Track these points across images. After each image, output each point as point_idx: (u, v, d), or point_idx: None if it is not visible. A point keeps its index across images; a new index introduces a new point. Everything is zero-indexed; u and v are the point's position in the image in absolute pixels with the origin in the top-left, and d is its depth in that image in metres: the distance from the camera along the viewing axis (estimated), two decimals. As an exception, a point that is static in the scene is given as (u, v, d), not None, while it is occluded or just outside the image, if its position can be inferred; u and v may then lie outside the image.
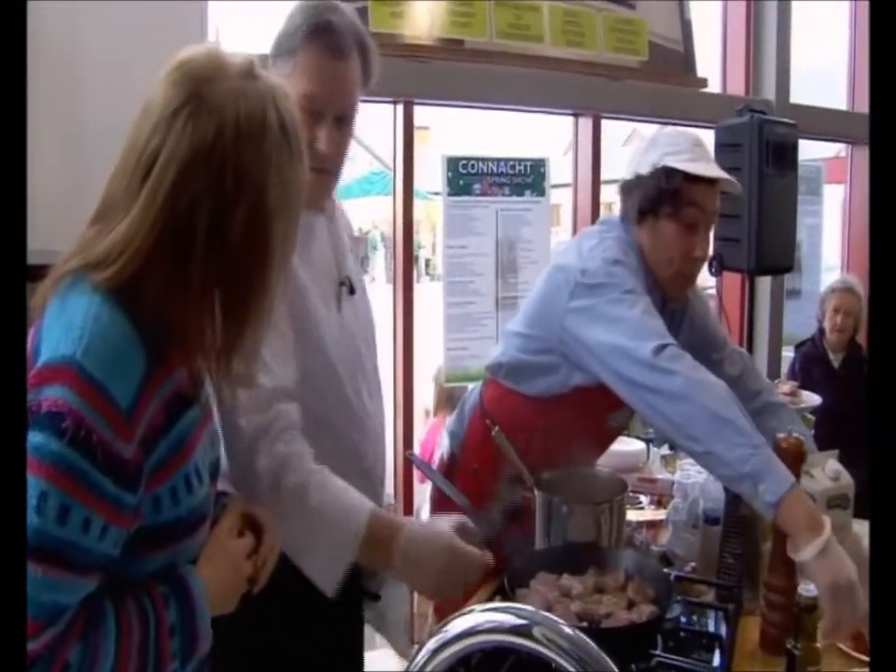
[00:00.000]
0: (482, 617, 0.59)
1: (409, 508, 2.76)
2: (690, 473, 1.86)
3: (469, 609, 0.63)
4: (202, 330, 0.88)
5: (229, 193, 0.85)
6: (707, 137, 3.09)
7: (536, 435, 1.59)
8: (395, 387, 2.85)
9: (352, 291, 1.38)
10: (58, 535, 0.77)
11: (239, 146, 0.85)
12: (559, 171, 3.30)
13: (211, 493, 0.98)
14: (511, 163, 3.27)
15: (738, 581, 1.47)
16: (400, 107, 2.92)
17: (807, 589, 1.15)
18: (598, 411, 1.63)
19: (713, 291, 3.69)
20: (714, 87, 3.32)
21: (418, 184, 3.18)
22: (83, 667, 0.79)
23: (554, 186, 3.35)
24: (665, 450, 2.80)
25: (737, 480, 1.29)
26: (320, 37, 1.23)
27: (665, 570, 1.53)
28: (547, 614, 0.59)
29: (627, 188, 1.62)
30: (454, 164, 3.40)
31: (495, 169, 3.25)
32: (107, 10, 2.01)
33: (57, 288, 0.86)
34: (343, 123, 1.28)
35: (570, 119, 3.19)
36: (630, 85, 2.98)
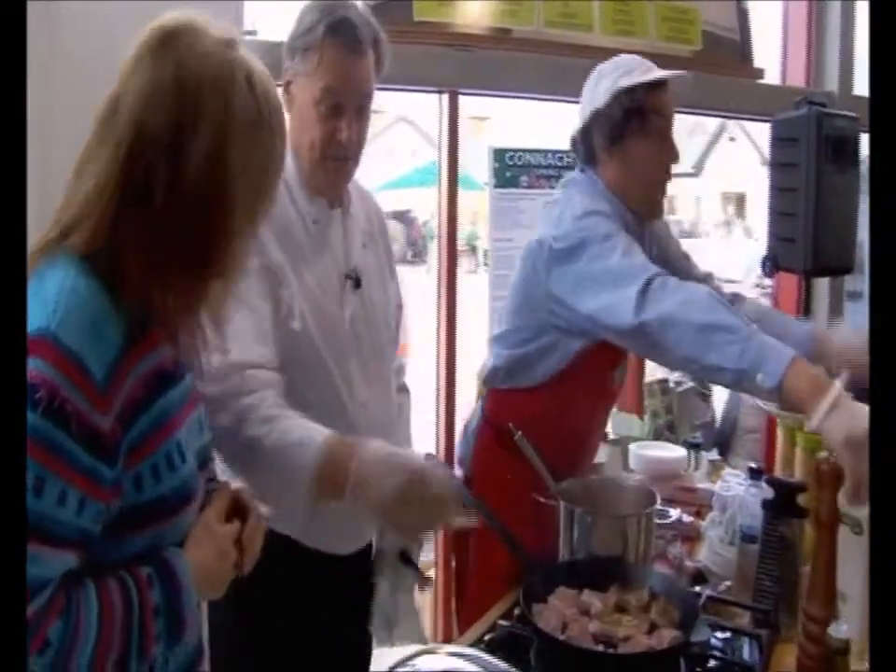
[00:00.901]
0: (447, 662, 0.54)
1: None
2: (731, 485, 1.77)
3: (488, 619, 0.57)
4: (164, 294, 0.87)
5: (185, 148, 0.84)
6: (764, 131, 2.98)
7: (546, 426, 1.56)
8: (437, 382, 2.82)
9: (357, 284, 1.40)
10: (34, 508, 0.77)
11: (200, 97, 0.85)
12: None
13: (200, 479, 0.97)
14: (559, 155, 3.18)
15: (775, 605, 1.38)
16: (446, 97, 2.88)
17: (838, 630, 1.07)
18: (602, 369, 1.65)
19: (769, 291, 3.56)
20: (773, 78, 3.17)
21: (475, 175, 3.14)
22: (63, 645, 0.78)
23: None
24: (714, 454, 2.70)
25: (738, 379, 1.27)
26: (339, 34, 1.29)
27: (697, 590, 1.46)
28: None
29: (587, 129, 1.63)
30: (500, 156, 3.33)
31: (542, 161, 3.18)
32: (141, 9, 2.01)
33: (37, 265, 0.85)
34: (361, 114, 1.35)
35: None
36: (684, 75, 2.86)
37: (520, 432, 1.44)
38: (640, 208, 1.62)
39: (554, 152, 3.17)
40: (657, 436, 2.94)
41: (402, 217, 19.96)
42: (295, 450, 1.10)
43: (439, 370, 2.82)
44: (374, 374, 1.42)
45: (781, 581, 1.39)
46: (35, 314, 0.81)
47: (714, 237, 18.12)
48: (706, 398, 3.81)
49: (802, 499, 1.38)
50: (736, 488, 1.71)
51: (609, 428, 2.93)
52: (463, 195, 2.97)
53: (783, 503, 1.38)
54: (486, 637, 1.31)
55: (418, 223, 19.90)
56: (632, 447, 2.15)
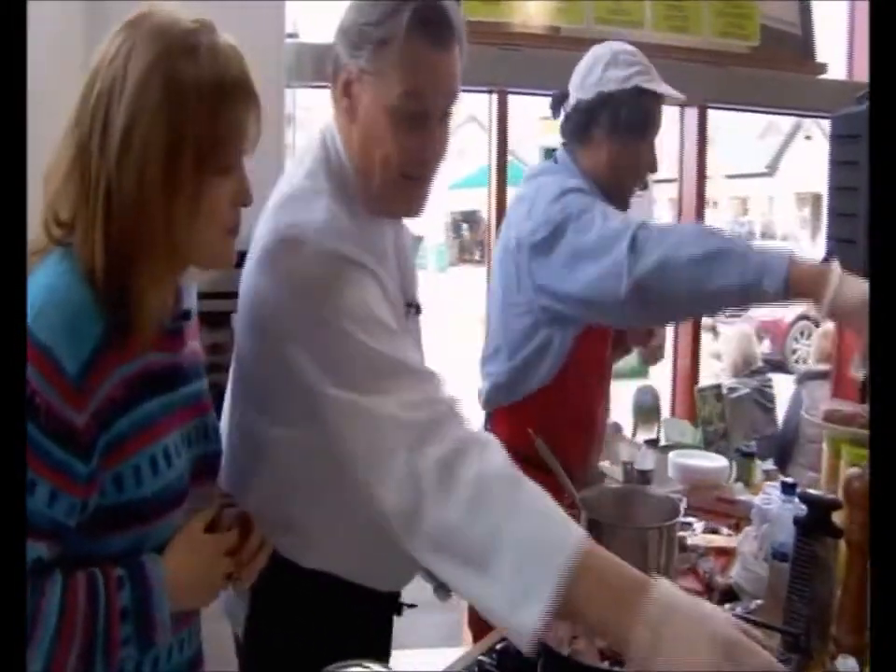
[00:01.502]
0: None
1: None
2: (771, 498, 1.70)
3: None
4: (140, 286, 0.87)
5: (115, 111, 0.85)
6: (826, 127, 2.85)
7: (558, 425, 1.55)
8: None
9: (418, 311, 1.26)
10: None
11: (132, 60, 0.85)
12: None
13: (196, 487, 0.97)
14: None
15: (806, 628, 1.30)
16: (495, 97, 2.85)
17: (845, 664, 1.00)
18: (601, 350, 1.66)
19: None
20: (839, 73, 3.04)
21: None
22: None
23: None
24: (769, 464, 2.60)
25: (745, 294, 1.30)
26: (429, 23, 1.04)
27: (727, 607, 1.40)
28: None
29: (590, 106, 1.60)
30: (551, 156, 3.29)
31: (594, 161, 3.13)
32: (188, 7, 2.04)
33: (31, 265, 0.87)
34: (446, 121, 1.12)
35: (676, 109, 3.01)
36: (739, 72, 2.77)
37: (539, 438, 1.40)
38: (612, 200, 1.60)
39: (606, 152, 3.12)
40: (709, 443, 2.86)
41: (470, 217, 20.00)
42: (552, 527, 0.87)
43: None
44: None
45: (813, 603, 1.32)
46: None
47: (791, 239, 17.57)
48: (767, 410, 3.68)
49: (838, 517, 1.31)
50: (777, 501, 1.64)
51: (660, 435, 2.87)
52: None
53: (817, 521, 1.30)
54: (498, 647, 1.28)
55: (485, 223, 19.89)
56: (671, 455, 2.09)
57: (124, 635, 0.85)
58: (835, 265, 1.24)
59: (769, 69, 2.78)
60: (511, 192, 2.87)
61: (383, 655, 1.34)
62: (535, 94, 2.95)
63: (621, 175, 1.63)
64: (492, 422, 1.76)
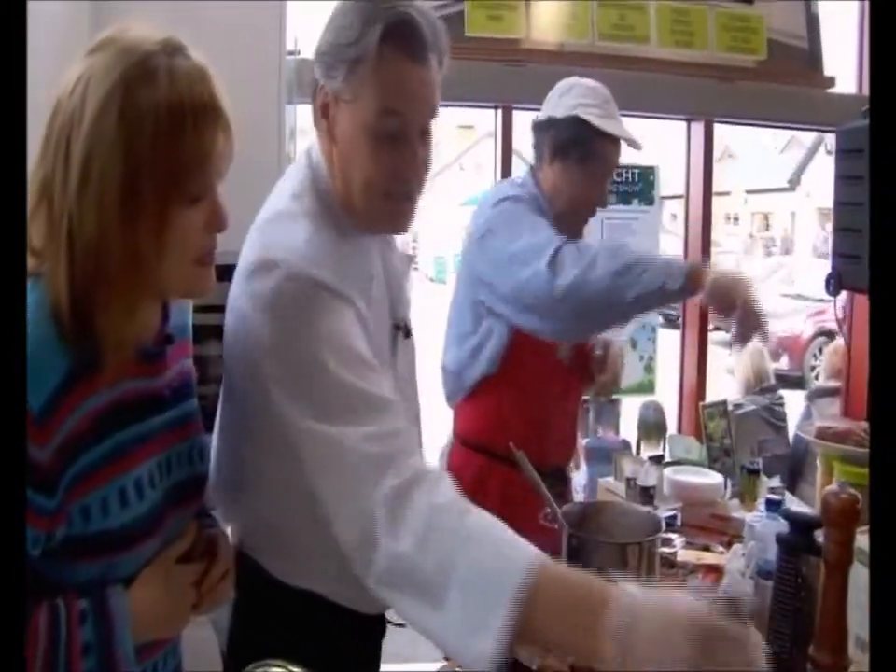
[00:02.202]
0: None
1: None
2: (762, 515, 1.68)
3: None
4: (108, 318, 0.84)
5: (73, 145, 0.82)
6: (831, 141, 2.83)
7: (507, 422, 1.71)
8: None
9: (407, 334, 1.22)
10: None
11: (86, 91, 0.83)
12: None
13: (179, 513, 0.96)
14: (618, 171, 3.12)
15: (790, 648, 1.29)
16: (500, 112, 2.87)
17: None
18: (543, 343, 1.69)
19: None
20: (848, 87, 3.02)
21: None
22: None
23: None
24: (776, 481, 2.57)
25: (659, 297, 1.48)
26: (402, 38, 1.01)
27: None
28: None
29: (540, 126, 1.76)
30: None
31: (602, 177, 3.13)
32: (189, 9, 2.07)
33: None
34: (426, 137, 1.09)
35: (682, 124, 3.00)
36: (746, 86, 2.76)
37: (520, 451, 1.40)
38: (561, 225, 1.67)
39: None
40: (714, 460, 2.83)
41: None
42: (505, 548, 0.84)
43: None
44: (415, 425, 1.24)
45: (797, 621, 1.30)
46: None
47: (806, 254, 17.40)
48: (777, 427, 3.64)
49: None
50: (766, 518, 1.62)
51: (664, 451, 2.85)
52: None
53: (799, 539, 1.29)
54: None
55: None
56: (666, 471, 2.07)
57: (86, 669, 0.84)
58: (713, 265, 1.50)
59: (776, 83, 2.77)
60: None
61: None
62: (540, 110, 2.96)
63: (565, 200, 1.72)
64: (455, 418, 1.87)
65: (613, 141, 1.68)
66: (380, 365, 1.04)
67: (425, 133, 1.08)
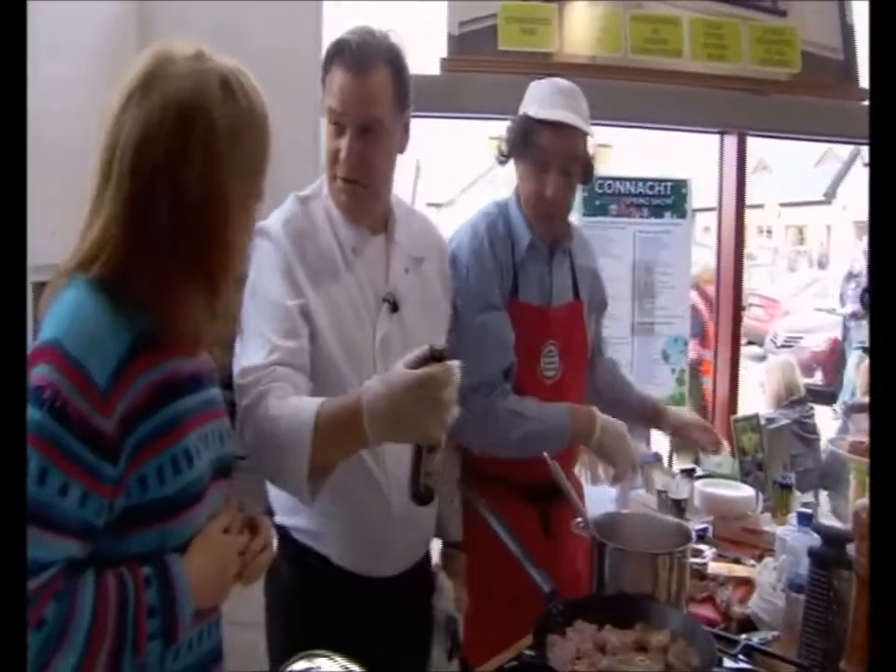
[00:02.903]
0: None
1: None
2: (794, 528, 1.67)
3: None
4: (178, 307, 0.94)
5: (180, 167, 0.92)
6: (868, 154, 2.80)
7: None
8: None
9: (394, 308, 1.40)
10: (37, 496, 0.84)
11: (184, 120, 0.92)
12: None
13: (216, 488, 1.02)
14: (650, 184, 3.13)
15: (822, 662, 1.29)
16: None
17: None
18: (536, 339, 1.70)
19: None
20: (885, 100, 2.99)
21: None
22: (58, 625, 0.84)
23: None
24: (809, 496, 2.55)
25: (558, 445, 1.59)
26: (340, 56, 1.32)
27: (743, 637, 1.39)
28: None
29: (508, 132, 1.74)
30: (589, 184, 3.31)
31: (633, 189, 3.13)
32: (232, 9, 2.13)
33: (56, 290, 0.94)
34: (366, 135, 1.34)
35: (715, 137, 3.00)
36: (780, 99, 2.75)
37: (554, 462, 1.41)
38: (536, 226, 1.71)
39: (645, 180, 3.12)
40: (746, 474, 2.81)
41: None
42: (292, 417, 1.13)
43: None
44: None
45: (829, 635, 1.30)
46: (48, 328, 0.90)
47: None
48: (808, 441, 3.60)
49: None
50: (798, 533, 1.61)
51: (696, 465, 2.83)
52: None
53: (831, 553, 1.29)
54: (507, 666, 1.29)
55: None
56: (697, 484, 2.07)
57: (151, 630, 0.89)
58: (596, 411, 1.61)
59: (811, 95, 2.75)
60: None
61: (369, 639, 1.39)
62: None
63: (526, 200, 1.71)
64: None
65: (556, 130, 1.62)
66: (358, 325, 1.36)
67: (364, 132, 1.33)
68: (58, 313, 0.91)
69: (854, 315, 7.94)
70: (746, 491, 2.01)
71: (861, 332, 7.76)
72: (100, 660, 0.86)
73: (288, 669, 0.57)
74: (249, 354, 1.23)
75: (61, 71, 1.77)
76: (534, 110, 1.65)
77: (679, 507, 1.98)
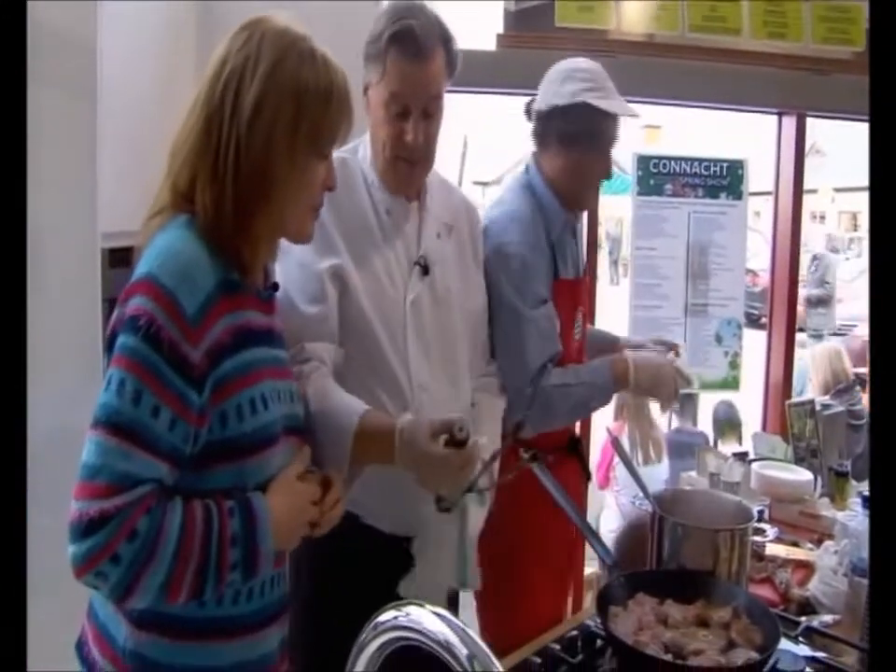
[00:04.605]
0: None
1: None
2: (857, 513, 1.65)
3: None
4: (250, 249, 1.01)
5: (254, 118, 0.98)
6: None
7: None
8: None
9: (426, 271, 1.45)
10: (132, 415, 0.89)
11: (269, 68, 0.99)
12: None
13: (287, 442, 1.06)
14: (706, 164, 3.09)
15: (884, 642, 1.27)
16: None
17: None
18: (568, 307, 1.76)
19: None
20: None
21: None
22: (149, 539, 0.88)
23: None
24: (864, 486, 2.51)
25: (600, 402, 1.67)
26: (402, 43, 1.34)
27: (803, 619, 1.38)
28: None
29: (543, 115, 1.75)
30: (644, 163, 3.27)
31: (688, 169, 3.09)
32: (300, 8, 2.14)
33: (150, 230, 1.01)
34: (427, 117, 1.39)
35: (773, 118, 2.94)
36: (842, 79, 2.68)
37: (616, 436, 1.42)
38: (570, 204, 1.78)
39: (700, 160, 3.08)
40: (799, 460, 2.77)
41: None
42: (336, 416, 1.21)
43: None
44: (440, 359, 1.44)
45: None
46: (144, 263, 0.96)
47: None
48: (856, 428, 3.54)
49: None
50: (862, 518, 1.60)
51: (748, 448, 2.81)
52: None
53: (898, 534, 1.27)
54: (567, 635, 1.30)
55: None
56: (755, 466, 2.05)
57: (233, 559, 0.93)
58: (627, 354, 1.71)
59: (874, 75, 2.68)
60: (611, 200, 2.88)
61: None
62: (630, 101, 2.93)
63: (574, 182, 1.76)
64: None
65: (615, 117, 1.73)
66: (391, 286, 1.41)
67: (426, 113, 1.38)
68: (154, 250, 0.97)
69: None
70: (804, 474, 1.99)
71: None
72: (185, 580, 0.91)
73: (376, 620, 0.59)
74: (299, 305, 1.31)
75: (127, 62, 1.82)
76: (600, 102, 1.69)
77: (731, 490, 1.97)
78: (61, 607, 1.46)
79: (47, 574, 1.37)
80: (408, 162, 1.41)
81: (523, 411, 1.54)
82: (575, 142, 1.71)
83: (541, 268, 1.68)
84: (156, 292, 0.92)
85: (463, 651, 0.51)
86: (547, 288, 1.69)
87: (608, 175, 1.79)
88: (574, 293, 1.78)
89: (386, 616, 0.59)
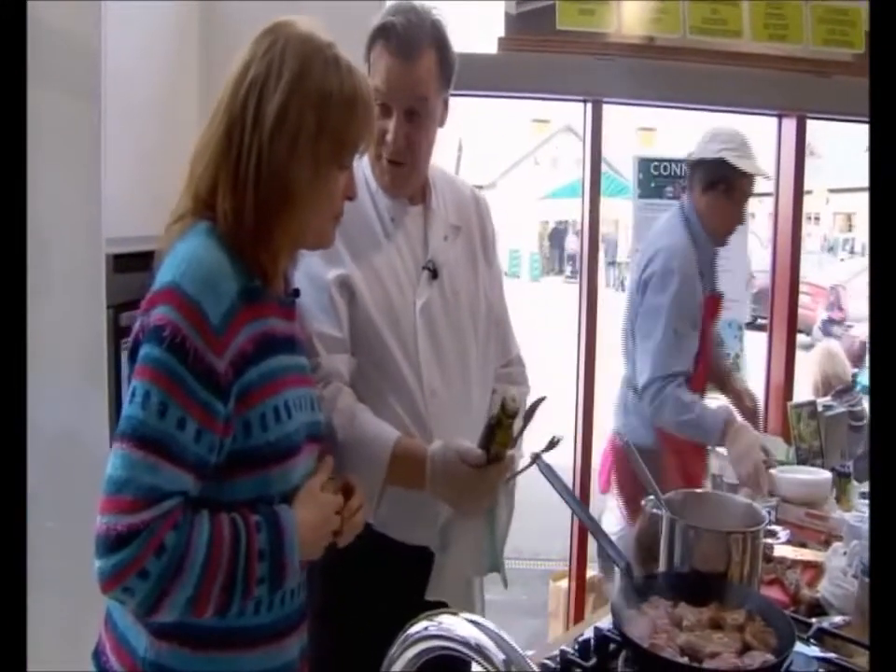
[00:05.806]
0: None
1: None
2: (864, 515, 1.65)
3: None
4: (270, 259, 1.00)
5: (279, 124, 0.97)
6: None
7: None
8: (577, 393, 2.82)
9: (434, 276, 1.43)
10: (158, 427, 0.88)
11: (295, 79, 0.99)
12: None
13: (310, 450, 1.05)
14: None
15: None
16: (590, 106, 2.86)
17: None
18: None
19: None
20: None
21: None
22: (177, 554, 0.87)
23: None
24: (865, 487, 2.51)
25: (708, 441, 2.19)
26: (384, 38, 1.32)
27: (813, 621, 1.38)
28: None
29: (693, 165, 2.33)
30: (645, 166, 3.28)
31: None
32: (298, 9, 2.14)
33: (172, 236, 1.00)
34: (412, 117, 1.35)
35: (773, 120, 2.95)
36: (842, 81, 2.69)
37: (627, 439, 1.42)
38: (712, 237, 2.33)
39: (701, 162, 3.09)
40: (802, 461, 2.77)
41: (561, 227, 19.92)
42: (367, 446, 1.25)
43: (577, 383, 2.81)
44: (451, 363, 1.43)
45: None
46: (167, 271, 0.95)
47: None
48: (856, 429, 3.54)
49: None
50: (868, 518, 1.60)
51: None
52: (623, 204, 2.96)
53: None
54: (580, 639, 1.30)
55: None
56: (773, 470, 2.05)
57: (260, 574, 0.93)
58: (736, 419, 2.15)
59: (874, 77, 2.68)
60: (605, 203, 2.89)
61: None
62: (629, 104, 2.94)
63: (716, 222, 2.30)
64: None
65: (750, 176, 2.24)
66: (399, 293, 1.40)
67: (410, 114, 1.35)
68: (176, 257, 0.96)
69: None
70: (823, 475, 1.99)
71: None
72: (212, 595, 0.90)
73: (409, 631, 0.58)
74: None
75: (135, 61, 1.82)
76: (737, 161, 2.20)
77: (734, 490, 1.97)
78: (62, 608, 1.45)
79: (48, 576, 1.37)
80: (392, 163, 1.38)
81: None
82: (714, 189, 2.24)
83: (699, 297, 2.18)
84: (180, 301, 0.92)
85: (500, 657, 0.51)
86: (700, 312, 2.17)
87: (740, 221, 2.35)
88: (716, 308, 2.33)
89: (418, 627, 0.58)
